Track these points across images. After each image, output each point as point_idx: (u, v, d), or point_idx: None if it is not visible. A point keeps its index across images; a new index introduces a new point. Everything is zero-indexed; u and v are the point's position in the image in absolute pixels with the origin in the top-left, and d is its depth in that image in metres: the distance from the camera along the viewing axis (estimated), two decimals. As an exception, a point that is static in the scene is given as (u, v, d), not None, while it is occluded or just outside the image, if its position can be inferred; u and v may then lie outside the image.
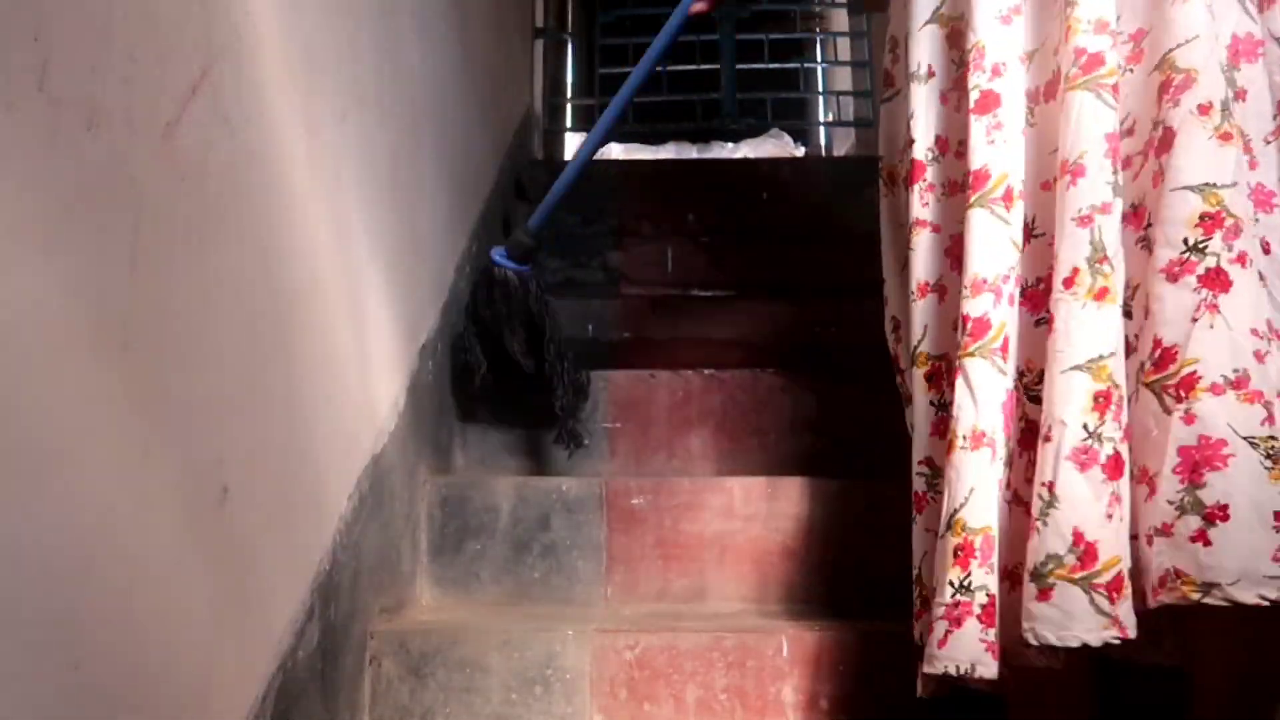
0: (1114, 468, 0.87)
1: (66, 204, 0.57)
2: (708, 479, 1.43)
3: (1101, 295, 0.90)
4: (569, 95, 3.89)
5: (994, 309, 0.97)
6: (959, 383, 0.97)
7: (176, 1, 0.70)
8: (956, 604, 0.91)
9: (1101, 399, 0.88)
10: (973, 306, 0.98)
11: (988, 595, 0.90)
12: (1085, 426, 0.87)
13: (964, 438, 0.95)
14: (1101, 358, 0.89)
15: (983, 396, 0.95)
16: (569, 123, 3.74)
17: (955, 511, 0.94)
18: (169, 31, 0.69)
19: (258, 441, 0.84)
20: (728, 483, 1.41)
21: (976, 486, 0.93)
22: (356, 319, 1.13)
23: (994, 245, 0.98)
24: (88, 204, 0.59)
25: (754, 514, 1.39)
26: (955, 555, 0.92)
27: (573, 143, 4.16)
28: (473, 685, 1.17)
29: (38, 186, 0.55)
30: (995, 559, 0.91)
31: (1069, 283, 0.91)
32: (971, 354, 0.97)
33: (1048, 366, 0.92)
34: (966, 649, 0.90)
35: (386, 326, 1.26)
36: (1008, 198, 0.99)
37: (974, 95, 1.01)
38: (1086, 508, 0.86)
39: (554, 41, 3.47)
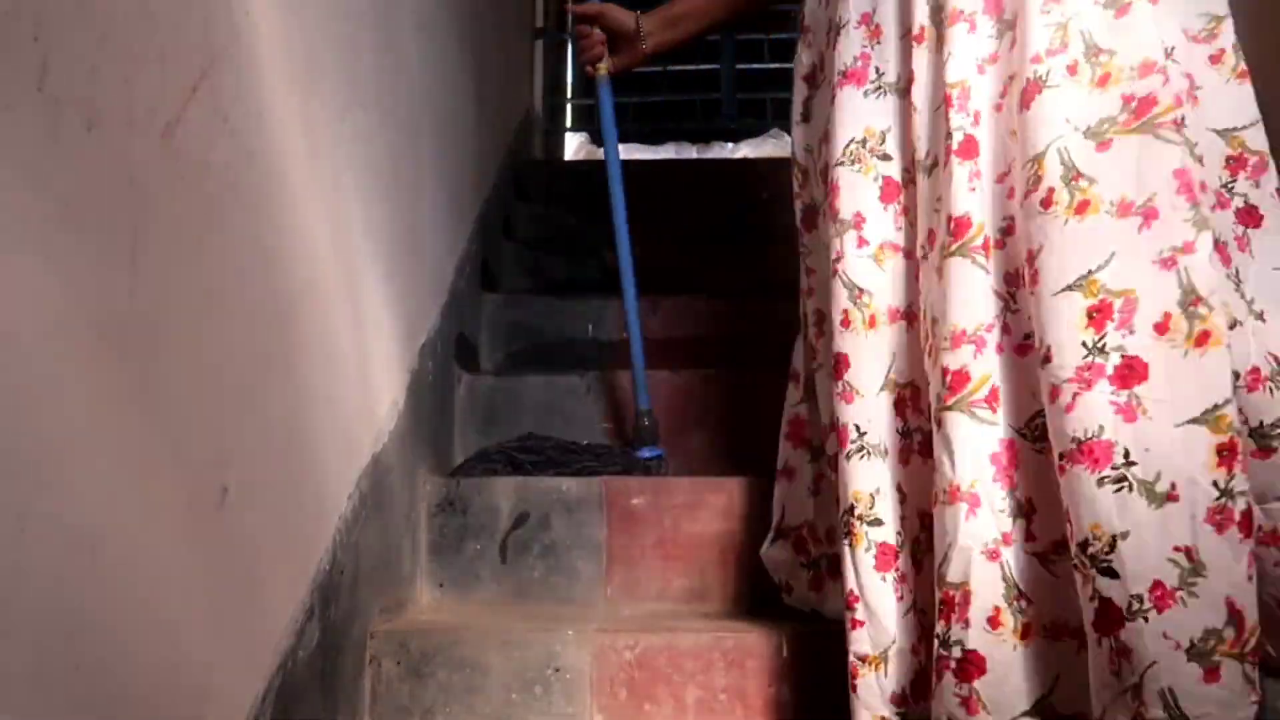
0: (1247, 525, 0.83)
1: (66, 204, 0.57)
2: (708, 479, 1.43)
3: (1203, 340, 0.86)
4: (569, 95, 3.89)
5: (974, 361, 0.95)
6: (936, 438, 0.96)
7: (176, 1, 0.70)
8: (938, 657, 0.92)
9: (1226, 452, 0.83)
10: (952, 359, 0.96)
11: (963, 651, 0.90)
12: (1216, 484, 0.83)
13: (942, 492, 0.94)
14: (1217, 407, 0.84)
15: (962, 451, 0.94)
16: (569, 123, 3.74)
17: (937, 566, 0.94)
18: (169, 31, 0.69)
19: (258, 441, 0.84)
20: (728, 483, 1.41)
21: (953, 543, 0.92)
22: (356, 319, 1.13)
23: (974, 295, 0.97)
24: (88, 204, 0.59)
25: (754, 514, 1.39)
26: (939, 609, 0.93)
27: (572, 142, 4.17)
28: (473, 685, 1.17)
29: (38, 186, 0.55)
30: (976, 613, 0.90)
31: (1161, 328, 0.87)
32: (950, 407, 0.95)
33: (1145, 417, 0.86)
34: (945, 702, 0.91)
35: (386, 326, 1.26)
36: (986, 247, 0.97)
37: (957, 137, 0.99)
38: (1232, 572, 0.82)
39: (554, 41, 3.47)
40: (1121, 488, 0.85)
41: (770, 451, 1.61)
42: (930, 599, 0.98)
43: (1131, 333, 0.87)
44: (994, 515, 0.93)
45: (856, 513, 1.03)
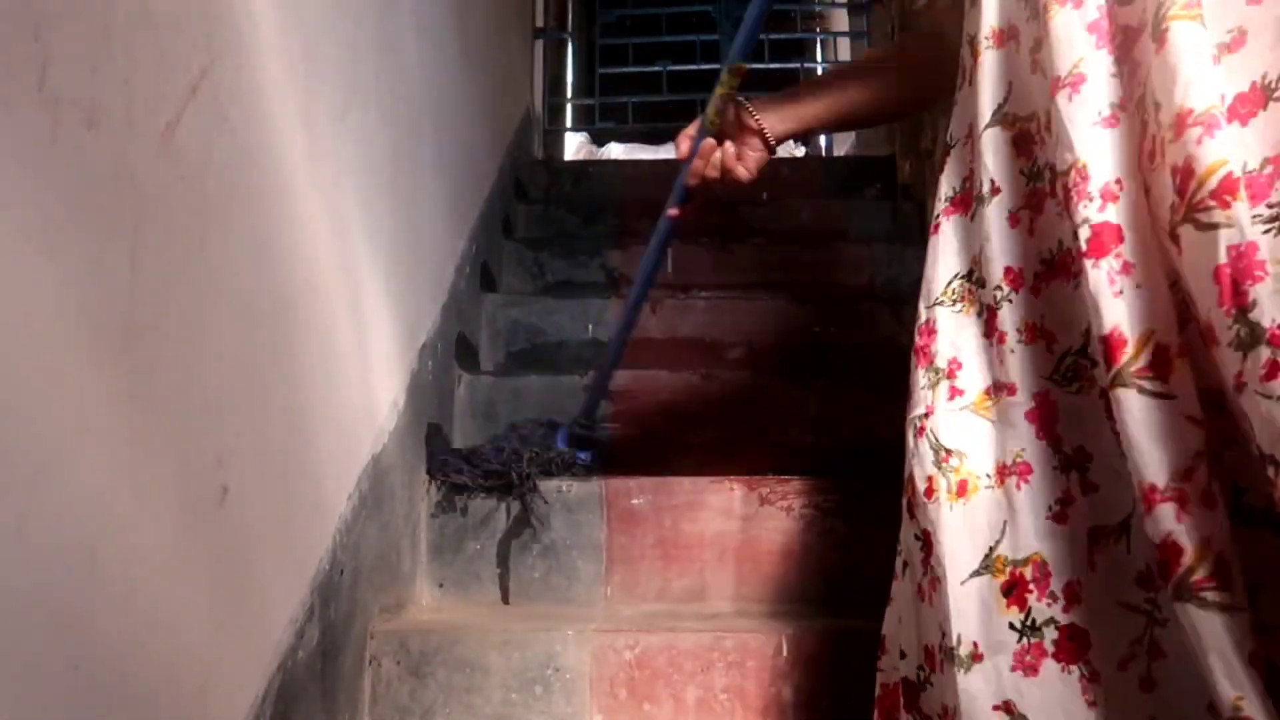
0: None
1: (66, 204, 0.57)
2: (708, 479, 1.43)
3: None
4: (569, 95, 3.90)
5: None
6: None
7: (176, 1, 0.70)
8: None
9: None
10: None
11: None
12: None
13: None
14: None
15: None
16: (569, 122, 3.75)
17: None
18: (169, 31, 0.69)
19: (258, 441, 0.84)
20: (727, 483, 1.41)
21: None
22: (356, 319, 1.13)
23: None
24: (88, 204, 0.59)
25: (754, 514, 1.39)
26: None
27: (572, 142, 4.17)
28: (473, 685, 1.17)
29: (38, 186, 0.55)
30: None
31: None
32: None
33: None
34: None
35: (386, 326, 1.26)
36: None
37: (1084, 233, 0.75)
38: None
39: (554, 41, 3.48)
40: None
41: (769, 451, 1.62)
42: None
43: None
44: None
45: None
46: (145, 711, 0.66)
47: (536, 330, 1.89)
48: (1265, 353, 0.65)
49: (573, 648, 1.17)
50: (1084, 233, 0.75)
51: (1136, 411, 0.71)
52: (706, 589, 1.37)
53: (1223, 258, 0.68)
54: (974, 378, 0.87)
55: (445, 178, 1.64)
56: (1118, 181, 0.76)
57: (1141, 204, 0.75)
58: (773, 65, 3.67)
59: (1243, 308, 0.67)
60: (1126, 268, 0.74)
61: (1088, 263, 0.75)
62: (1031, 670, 0.79)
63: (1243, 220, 0.68)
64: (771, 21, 4.16)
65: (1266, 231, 0.69)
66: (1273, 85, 0.72)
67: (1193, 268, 0.71)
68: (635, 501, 1.40)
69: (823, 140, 4.57)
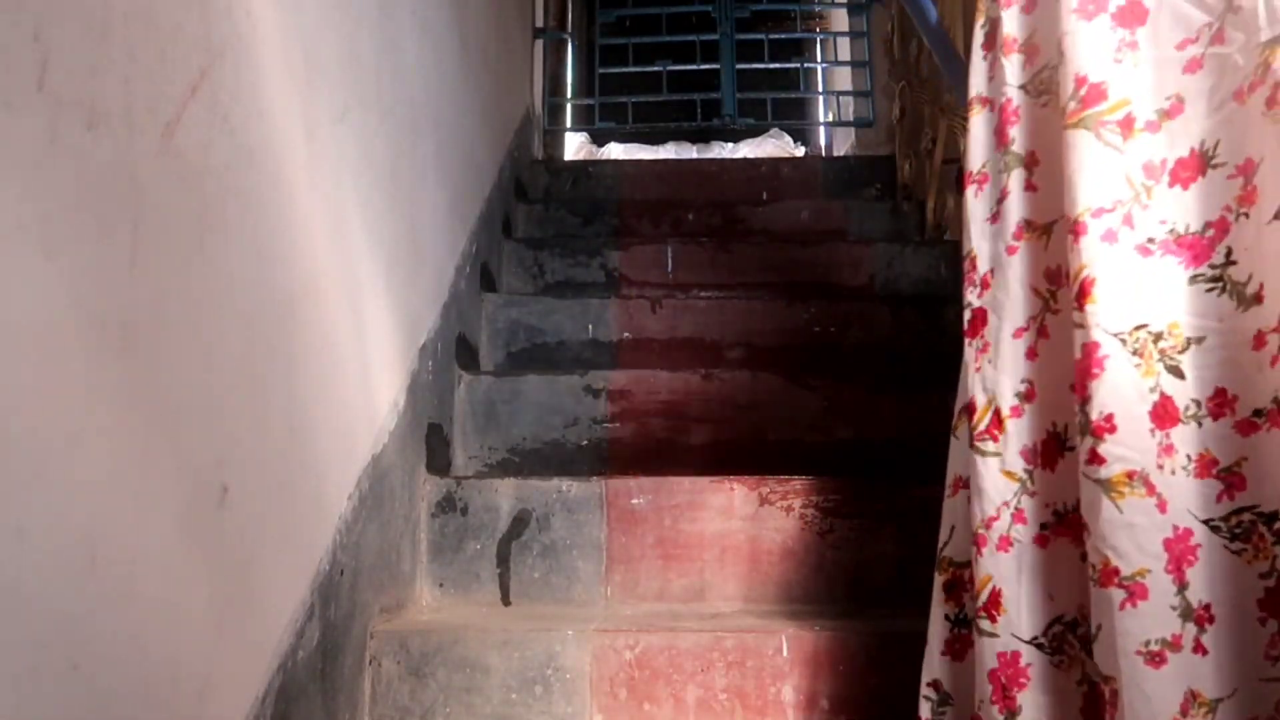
0: None
1: (66, 204, 0.57)
2: (708, 479, 1.43)
3: None
4: (569, 95, 3.89)
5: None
6: None
7: (176, 1, 0.70)
8: None
9: None
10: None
11: None
12: None
13: None
14: None
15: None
16: (569, 122, 3.75)
17: None
18: (169, 31, 0.69)
19: (258, 441, 0.84)
20: (728, 483, 1.41)
21: None
22: (356, 319, 1.13)
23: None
24: (88, 204, 0.59)
25: (754, 514, 1.39)
26: None
27: (573, 142, 4.18)
28: (473, 685, 1.17)
29: (38, 186, 0.55)
30: None
31: None
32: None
33: None
34: None
35: (386, 326, 1.26)
36: (1126, 124, 0.82)
37: (965, 314, 0.92)
38: None
39: (554, 41, 3.47)
40: None
41: (769, 451, 1.62)
42: None
43: None
44: None
45: None
46: (145, 711, 0.66)
47: (536, 330, 1.89)
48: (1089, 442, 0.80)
49: (573, 648, 1.17)
50: (965, 314, 0.91)
51: (979, 467, 0.88)
52: (706, 589, 1.37)
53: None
54: (959, 402, 0.98)
55: (445, 177, 1.64)
56: (991, 272, 0.90)
57: (1006, 290, 0.89)
58: (773, 65, 3.67)
59: (1084, 400, 0.81)
60: (985, 346, 0.89)
61: (965, 340, 0.91)
62: (959, 657, 0.94)
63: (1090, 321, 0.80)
64: (771, 21, 4.16)
65: (1210, 290, 0.82)
66: (1209, 152, 0.83)
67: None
68: (635, 501, 1.40)
69: (822, 140, 4.57)
